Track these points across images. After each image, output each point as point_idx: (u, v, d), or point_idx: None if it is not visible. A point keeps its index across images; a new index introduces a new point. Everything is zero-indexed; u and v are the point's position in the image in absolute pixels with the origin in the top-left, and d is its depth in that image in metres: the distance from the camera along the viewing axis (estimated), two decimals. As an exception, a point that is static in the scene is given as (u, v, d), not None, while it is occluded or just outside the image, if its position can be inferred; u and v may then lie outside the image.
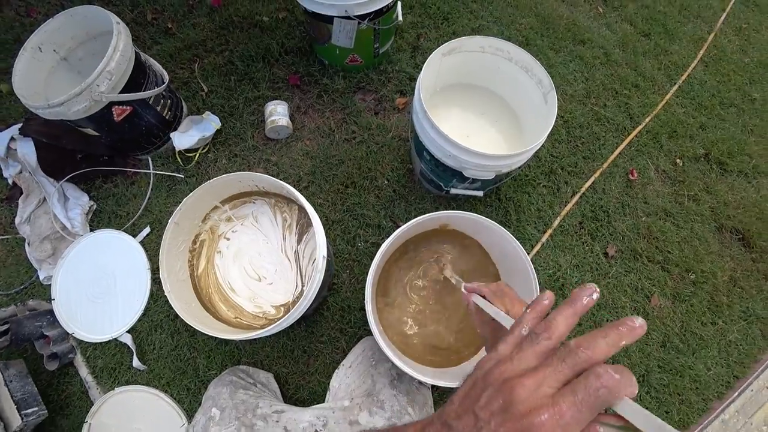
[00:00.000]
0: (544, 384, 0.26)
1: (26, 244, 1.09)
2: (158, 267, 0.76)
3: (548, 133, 0.88)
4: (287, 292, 0.87)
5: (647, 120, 1.29)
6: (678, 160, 1.26)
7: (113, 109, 0.92)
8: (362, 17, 1.06)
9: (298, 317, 0.77)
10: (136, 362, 1.00)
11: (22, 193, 1.11)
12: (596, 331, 0.28)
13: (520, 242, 0.79)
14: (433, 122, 0.86)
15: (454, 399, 0.31)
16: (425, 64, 0.91)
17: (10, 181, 1.13)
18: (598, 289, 0.30)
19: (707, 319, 1.12)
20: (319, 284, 0.77)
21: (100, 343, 1.03)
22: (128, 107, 0.95)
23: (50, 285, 1.06)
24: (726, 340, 1.11)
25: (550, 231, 1.14)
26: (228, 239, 0.90)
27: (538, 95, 0.97)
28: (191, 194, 0.79)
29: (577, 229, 1.16)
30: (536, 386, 0.26)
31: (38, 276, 1.07)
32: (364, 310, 0.75)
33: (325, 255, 0.78)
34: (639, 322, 0.27)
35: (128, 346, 1.02)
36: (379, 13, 1.08)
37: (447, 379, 0.76)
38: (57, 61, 0.99)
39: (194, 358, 1.01)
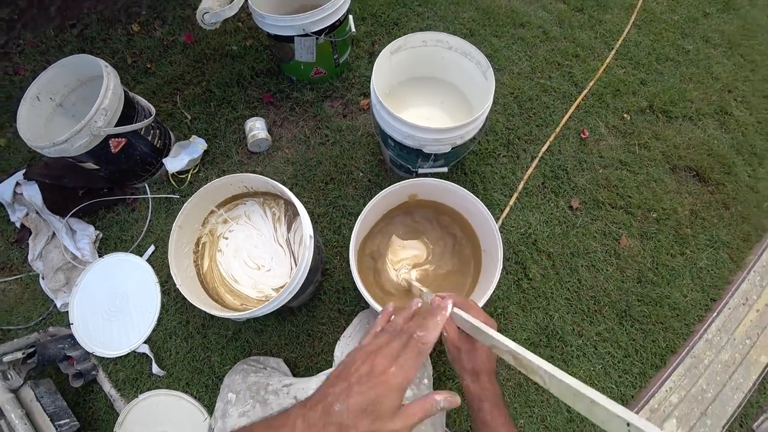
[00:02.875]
0: (391, 351, 0.44)
1: (40, 279, 1.25)
2: (166, 280, 0.92)
3: (489, 104, 1.06)
4: (284, 275, 1.03)
5: (591, 84, 1.49)
6: (625, 115, 1.45)
7: (110, 142, 1.12)
8: (319, 33, 1.27)
9: (295, 293, 0.93)
10: (155, 368, 1.15)
11: (30, 233, 1.28)
12: (424, 316, 0.48)
13: (489, 209, 0.95)
14: (389, 110, 1.05)
15: (331, 375, 0.45)
16: (376, 62, 1.11)
17: (18, 224, 1.31)
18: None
19: (675, 251, 1.27)
20: (309, 260, 0.93)
21: (120, 357, 1.18)
22: (123, 139, 1.14)
23: (67, 312, 1.22)
24: (696, 267, 1.26)
25: (515, 195, 1.31)
26: (226, 238, 1.07)
27: (479, 74, 1.17)
28: (189, 200, 0.97)
29: (541, 189, 1.33)
30: (386, 354, 0.43)
31: (55, 305, 1.23)
32: (358, 290, 0.90)
33: (312, 234, 0.95)
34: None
35: (147, 356, 1.17)
36: (333, 27, 1.29)
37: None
38: (54, 108, 1.20)
39: (208, 357, 1.16)
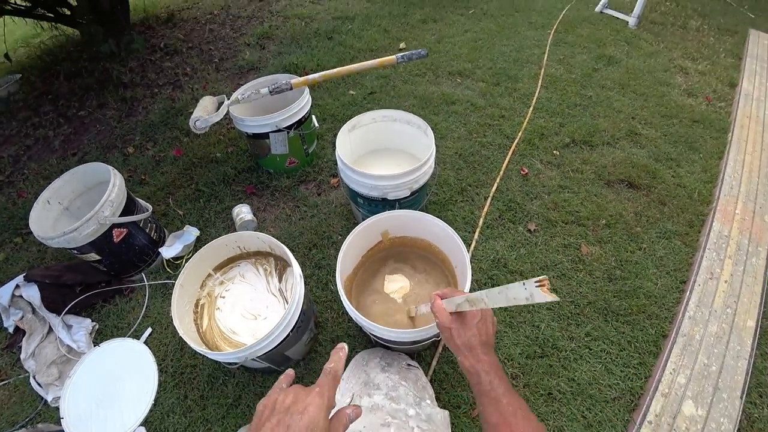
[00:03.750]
0: (306, 389, 0.50)
1: (31, 378, 1.25)
2: (163, 358, 0.99)
3: (433, 148, 1.30)
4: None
5: (519, 134, 1.80)
6: (555, 152, 1.73)
7: (113, 232, 1.27)
8: (289, 128, 1.57)
9: (292, 325, 1.00)
10: (154, 455, 1.12)
11: (24, 335, 1.32)
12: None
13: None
14: (353, 167, 1.27)
15: (256, 417, 0.48)
16: (337, 138, 1.37)
17: (11, 330, 1.36)
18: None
19: (633, 247, 1.42)
20: (302, 295, 1.03)
21: (116, 447, 1.14)
22: (125, 229, 1.30)
23: (58, 406, 1.20)
24: (656, 257, 1.39)
25: (478, 230, 1.48)
26: (224, 297, 1.16)
27: (421, 134, 1.44)
28: (188, 261, 1.09)
29: (499, 221, 1.51)
30: (304, 388, 0.50)
31: (45, 403, 1.21)
32: (351, 337, 0.99)
33: (301, 274, 1.07)
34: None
35: (144, 442, 1.14)
36: (300, 122, 1.60)
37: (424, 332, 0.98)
38: (61, 211, 1.37)
39: (209, 430, 1.13)
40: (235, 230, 1.55)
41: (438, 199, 1.58)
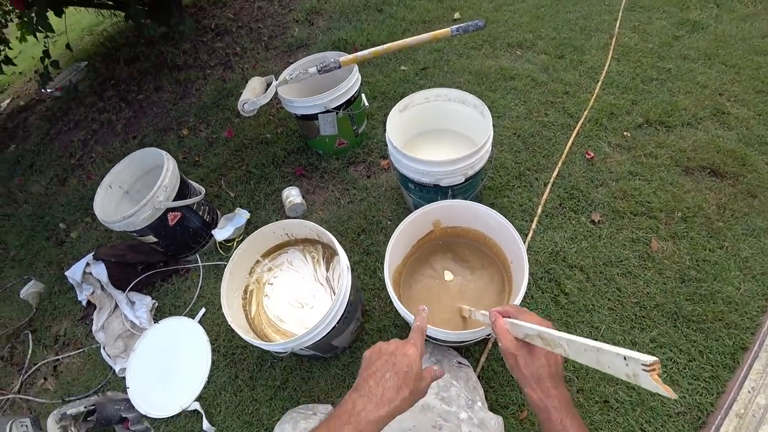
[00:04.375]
0: (401, 340, 0.61)
1: (101, 348, 1.37)
2: (215, 339, 1.02)
3: (491, 131, 1.20)
4: (326, 311, 1.10)
5: (585, 113, 1.62)
6: (625, 133, 1.55)
7: (168, 215, 1.31)
8: (338, 108, 1.51)
9: (338, 317, 0.98)
10: (206, 425, 1.17)
11: (95, 309, 1.44)
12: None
13: None
14: (405, 153, 1.20)
15: (363, 364, 0.60)
16: (388, 119, 1.30)
17: (84, 303, 1.48)
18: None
19: (713, 245, 1.25)
20: (348, 287, 1.00)
21: (172, 417, 1.22)
22: (179, 213, 1.34)
23: (125, 377, 1.31)
24: (740, 257, 1.22)
25: (536, 219, 1.38)
26: (271, 284, 1.17)
27: (477, 115, 1.33)
28: (238, 248, 1.10)
29: (560, 210, 1.39)
30: (399, 341, 0.61)
31: (114, 372, 1.33)
32: (398, 327, 0.96)
33: (348, 265, 1.04)
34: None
35: (198, 413, 1.20)
36: (349, 102, 1.54)
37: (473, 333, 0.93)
38: (122, 195, 1.44)
39: (257, 409, 1.18)
40: (284, 212, 1.55)
41: (493, 184, 1.48)
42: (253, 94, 1.41)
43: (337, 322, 0.99)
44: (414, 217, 1.08)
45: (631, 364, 0.42)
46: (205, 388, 1.25)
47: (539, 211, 1.39)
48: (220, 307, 1.09)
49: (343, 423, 0.51)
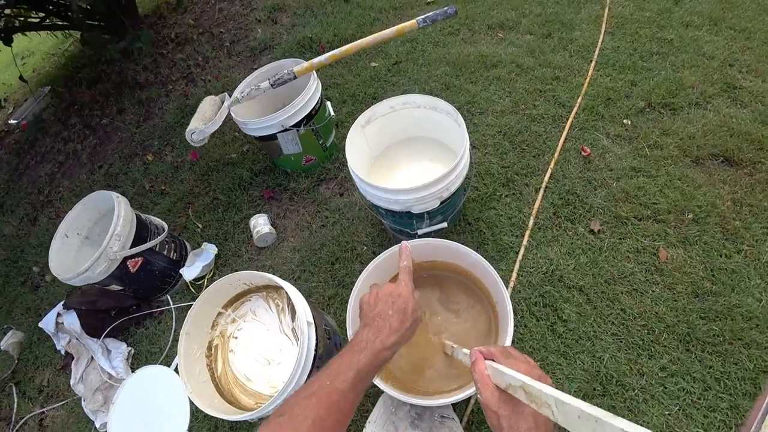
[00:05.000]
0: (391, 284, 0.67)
1: (82, 401, 1.30)
2: (180, 375, 0.92)
3: (466, 148, 1.04)
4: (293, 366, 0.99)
5: (579, 100, 1.43)
6: (625, 121, 1.36)
7: (128, 263, 1.20)
8: (297, 125, 1.35)
9: (303, 378, 0.88)
10: (191, 487, 1.10)
11: (73, 358, 1.36)
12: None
13: (501, 254, 0.89)
14: (365, 180, 1.05)
15: (363, 309, 0.66)
16: (347, 137, 1.14)
17: (63, 352, 1.40)
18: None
19: (729, 250, 1.09)
20: (312, 346, 0.89)
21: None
22: (140, 258, 1.23)
23: (106, 431, 1.23)
24: (761, 262, 1.06)
25: (527, 233, 1.22)
26: (236, 338, 1.06)
27: (452, 123, 1.16)
28: (192, 307, 0.98)
29: (554, 220, 1.23)
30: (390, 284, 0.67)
31: (95, 426, 1.26)
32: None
33: (310, 321, 0.92)
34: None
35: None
36: (309, 116, 1.37)
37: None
38: (81, 241, 1.33)
39: (241, 465, 1.10)
40: (254, 243, 1.42)
41: (477, 195, 1.32)
42: (202, 121, 1.26)
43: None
44: (377, 263, 0.95)
45: None
46: (187, 438, 1.17)
47: (531, 223, 1.23)
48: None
49: (360, 350, 0.57)
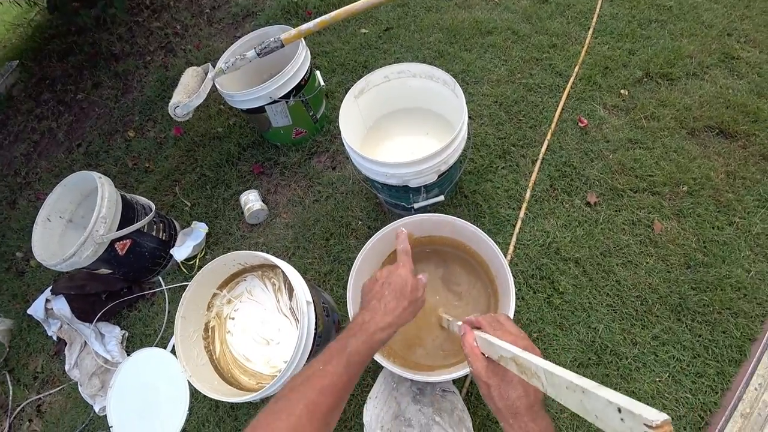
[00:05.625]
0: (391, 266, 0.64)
1: (79, 386, 1.27)
2: (178, 360, 0.89)
3: (464, 120, 0.99)
4: (293, 346, 0.96)
5: (576, 69, 1.37)
6: (622, 91, 1.32)
7: (116, 246, 1.13)
8: (286, 96, 1.27)
9: (304, 362, 0.86)
10: (194, 464, 1.10)
11: (66, 344, 1.32)
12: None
13: (499, 227, 0.86)
14: (362, 154, 0.99)
15: (363, 291, 0.64)
16: (341, 109, 1.08)
17: (55, 338, 1.35)
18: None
19: (722, 222, 1.09)
20: (312, 327, 0.86)
21: (161, 455, 1.14)
22: (128, 240, 1.16)
23: (106, 414, 1.21)
24: (752, 234, 1.06)
25: (524, 205, 1.19)
26: (233, 318, 1.02)
27: (449, 93, 1.10)
28: (187, 289, 0.94)
29: (551, 192, 1.21)
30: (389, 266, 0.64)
31: (94, 410, 1.23)
32: None
33: (309, 300, 0.88)
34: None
35: (183, 451, 1.12)
36: (299, 87, 1.29)
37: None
38: (65, 225, 1.25)
39: (243, 442, 1.09)
40: (245, 220, 1.37)
41: (474, 167, 1.28)
42: (185, 94, 1.17)
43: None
44: (377, 239, 0.91)
45: (627, 420, 0.28)
46: (187, 421, 1.16)
47: (527, 195, 1.21)
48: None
49: (354, 333, 0.56)
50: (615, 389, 0.81)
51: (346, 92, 1.53)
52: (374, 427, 0.92)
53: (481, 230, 0.86)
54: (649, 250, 1.09)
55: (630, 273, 1.07)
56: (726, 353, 0.97)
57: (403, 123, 1.25)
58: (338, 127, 1.47)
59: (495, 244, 0.85)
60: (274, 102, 1.26)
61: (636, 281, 1.06)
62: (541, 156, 1.25)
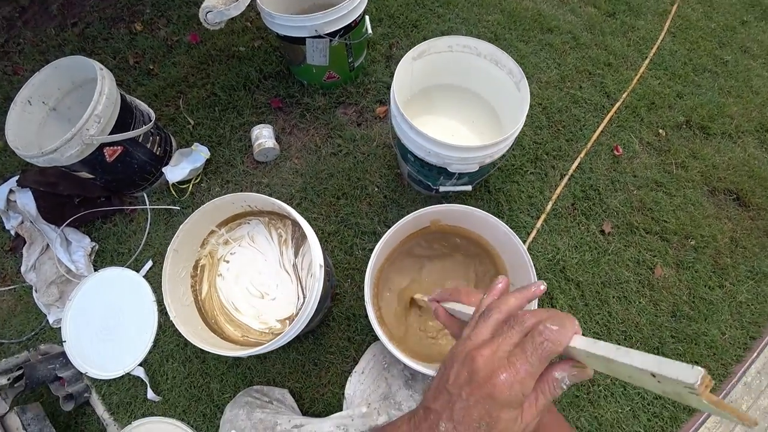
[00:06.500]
0: (499, 350, 0.31)
1: (33, 291, 1.12)
2: (163, 298, 0.79)
3: (524, 119, 0.91)
4: (290, 305, 0.89)
5: (624, 96, 1.32)
6: (660, 131, 1.29)
7: (105, 151, 0.97)
8: (332, 34, 1.11)
9: (303, 327, 0.79)
10: (150, 394, 1.02)
11: (25, 243, 1.15)
12: (542, 309, 0.34)
13: (514, 231, 0.81)
14: (412, 124, 0.89)
15: (431, 385, 0.35)
16: (397, 69, 0.95)
17: (12, 233, 1.18)
18: (545, 284, 0.37)
19: (714, 282, 1.12)
20: (319, 293, 0.79)
21: (114, 379, 1.05)
22: (119, 147, 1.00)
23: (60, 328, 1.09)
24: (736, 301, 1.11)
25: (543, 216, 1.16)
26: (227, 261, 0.92)
27: (511, 85, 1.01)
28: (187, 220, 0.82)
29: (570, 211, 1.18)
30: (492, 353, 0.31)
31: (48, 321, 1.11)
32: (369, 318, 0.77)
33: (322, 264, 0.80)
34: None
35: (141, 379, 1.04)
36: (348, 28, 1.13)
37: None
38: (47, 112, 1.05)
39: (207, 384, 1.03)
40: (252, 155, 1.23)
41: (504, 165, 1.22)
42: (220, 0, 0.98)
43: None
44: (406, 221, 0.83)
45: (667, 385, 0.26)
46: (150, 352, 1.07)
47: (549, 207, 1.17)
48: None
49: None
50: (582, 412, 0.82)
51: (390, 48, 1.41)
52: (359, 402, 0.89)
53: (520, 241, 0.81)
54: (644, 291, 1.10)
55: (623, 308, 1.09)
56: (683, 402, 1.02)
57: (450, 101, 1.15)
58: (373, 82, 1.35)
59: (528, 255, 0.81)
60: (318, 37, 1.10)
61: (626, 317, 1.08)
62: (570, 172, 1.21)
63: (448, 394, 0.32)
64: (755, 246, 1.16)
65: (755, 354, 1.07)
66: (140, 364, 1.05)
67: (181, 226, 0.81)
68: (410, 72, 1.05)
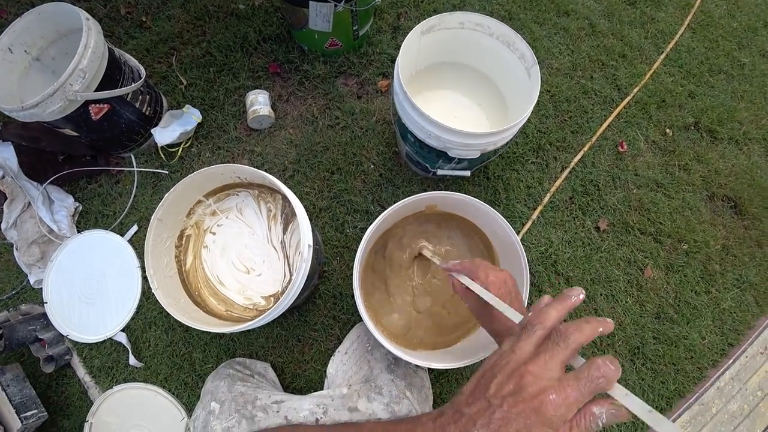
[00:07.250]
0: (547, 368, 0.31)
1: (14, 249, 1.07)
2: (145, 269, 0.75)
3: (532, 108, 0.85)
4: (276, 282, 0.86)
5: (635, 90, 1.26)
6: (668, 130, 1.24)
7: (90, 108, 0.90)
8: (338, -1, 1.02)
9: (288, 306, 0.76)
10: (132, 360, 1.00)
11: (6, 199, 1.09)
12: (579, 319, 0.33)
13: (510, 221, 0.78)
14: (414, 103, 0.83)
15: (464, 390, 0.35)
16: (404, 43, 0.88)
17: None
18: (584, 292, 0.37)
19: (701, 288, 1.11)
20: (306, 273, 0.75)
21: (96, 343, 1.03)
22: (105, 105, 0.92)
23: (41, 288, 1.05)
24: (720, 308, 1.10)
25: (540, 208, 1.12)
26: (214, 233, 0.88)
27: (522, 70, 0.94)
28: (172, 189, 0.77)
29: (568, 205, 1.14)
30: (541, 371, 0.31)
31: (29, 280, 1.06)
32: (355, 298, 0.74)
33: (311, 243, 0.77)
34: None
35: (123, 345, 1.01)
36: (355, -7, 1.04)
37: (448, 360, 0.76)
38: (29, 62, 0.96)
39: (190, 353, 1.01)
40: (245, 121, 1.16)
41: (505, 152, 1.16)
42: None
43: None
44: (404, 203, 0.79)
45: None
46: (133, 318, 1.04)
47: (546, 199, 1.13)
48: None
49: None
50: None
51: (398, 17, 1.32)
52: (340, 382, 0.88)
53: (517, 237, 0.77)
54: (632, 291, 1.09)
55: (609, 306, 1.07)
56: (656, 400, 1.03)
57: (456, 80, 1.08)
58: (377, 53, 1.27)
59: (521, 247, 0.77)
60: (323, 1, 1.01)
61: (610, 315, 1.06)
62: (572, 165, 1.17)
63: (487, 402, 0.32)
64: (745, 255, 1.15)
65: (731, 360, 1.08)
66: (122, 330, 1.02)
67: (166, 195, 0.76)
68: (417, 47, 0.97)
